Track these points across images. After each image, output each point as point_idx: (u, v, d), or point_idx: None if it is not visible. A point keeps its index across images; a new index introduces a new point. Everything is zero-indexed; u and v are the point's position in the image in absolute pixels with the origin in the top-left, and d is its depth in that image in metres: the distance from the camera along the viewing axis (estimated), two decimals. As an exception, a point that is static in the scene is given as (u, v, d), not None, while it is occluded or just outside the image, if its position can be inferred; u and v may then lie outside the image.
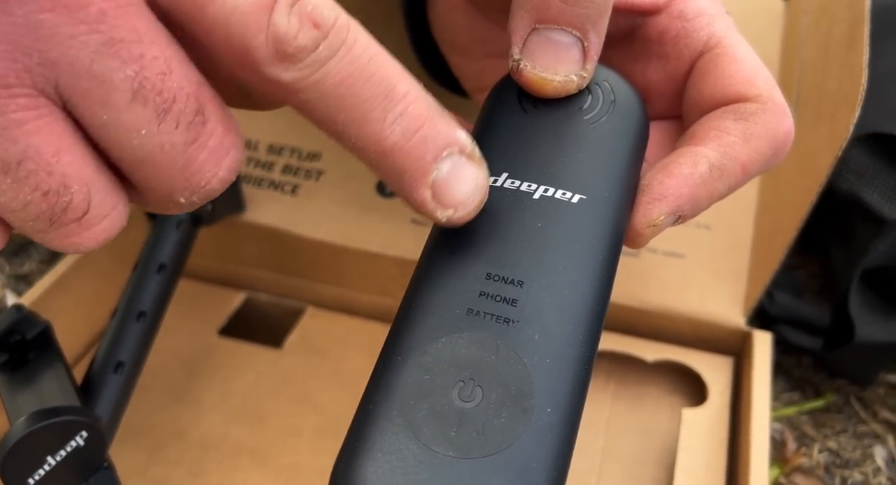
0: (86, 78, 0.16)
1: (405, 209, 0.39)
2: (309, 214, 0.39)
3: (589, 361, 0.19)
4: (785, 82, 0.40)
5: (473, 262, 0.20)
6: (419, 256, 0.22)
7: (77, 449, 0.27)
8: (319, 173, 0.40)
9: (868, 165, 0.38)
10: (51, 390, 0.29)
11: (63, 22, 0.16)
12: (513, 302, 0.19)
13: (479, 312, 0.19)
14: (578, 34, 0.22)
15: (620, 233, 0.22)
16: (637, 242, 0.22)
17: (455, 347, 0.19)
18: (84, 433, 0.27)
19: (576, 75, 0.22)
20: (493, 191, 0.21)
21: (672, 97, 0.26)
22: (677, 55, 0.25)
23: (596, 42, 0.22)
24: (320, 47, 0.18)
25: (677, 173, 0.22)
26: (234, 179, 0.19)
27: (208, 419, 0.35)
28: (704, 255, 0.36)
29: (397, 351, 0.19)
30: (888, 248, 0.36)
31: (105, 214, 0.18)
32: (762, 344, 0.34)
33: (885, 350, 0.37)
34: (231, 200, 0.38)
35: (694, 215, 0.23)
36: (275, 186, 0.40)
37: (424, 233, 0.38)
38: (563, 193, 0.21)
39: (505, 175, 0.22)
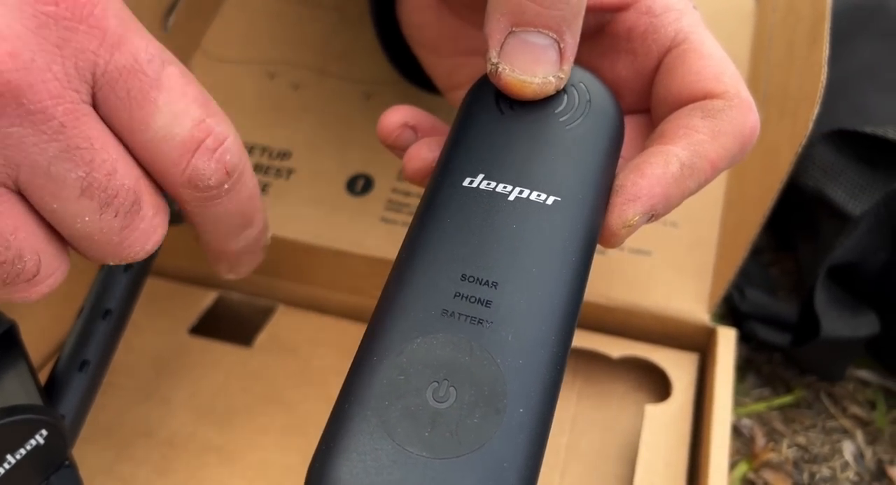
0: (43, 177, 0.20)
1: (375, 208, 0.39)
2: (279, 212, 0.39)
3: (561, 362, 0.20)
4: (753, 80, 0.40)
5: (448, 263, 0.20)
6: (395, 256, 0.22)
7: (37, 448, 0.27)
8: (290, 172, 0.40)
9: (833, 162, 0.38)
10: (12, 389, 0.29)
11: (28, 133, 0.19)
12: (487, 303, 0.20)
13: (453, 312, 0.19)
14: (554, 36, 0.22)
15: (594, 234, 0.22)
16: (612, 242, 0.23)
17: (430, 348, 0.19)
18: (44, 432, 0.27)
19: (553, 77, 0.23)
20: (470, 192, 0.22)
21: (641, 92, 0.26)
22: (646, 51, 0.25)
23: (571, 43, 0.23)
24: (223, 187, 0.23)
25: (650, 174, 0.22)
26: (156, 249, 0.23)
27: (176, 418, 0.36)
28: (670, 252, 0.36)
29: (373, 351, 0.19)
30: (853, 244, 0.36)
31: (51, 273, 0.22)
32: (726, 340, 0.34)
33: (852, 346, 0.37)
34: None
35: (667, 213, 0.23)
36: None
37: (394, 231, 0.38)
38: (539, 195, 0.21)
39: (481, 176, 0.22)
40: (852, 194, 0.37)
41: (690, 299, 0.35)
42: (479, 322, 0.19)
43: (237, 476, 0.33)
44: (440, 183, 0.23)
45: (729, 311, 0.43)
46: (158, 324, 0.39)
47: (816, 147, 0.39)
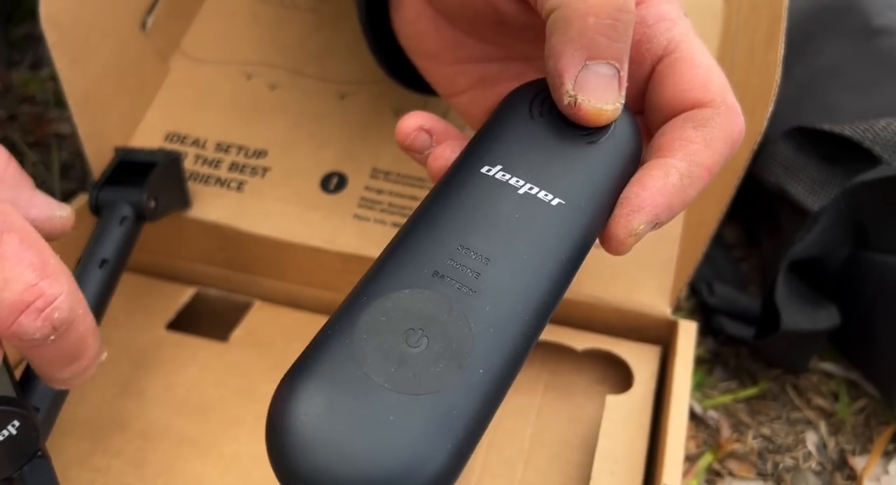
0: None
1: (348, 205, 0.40)
2: (254, 210, 0.40)
3: (528, 341, 0.22)
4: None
5: (451, 231, 0.23)
6: (370, 252, 0.23)
7: (9, 438, 0.28)
8: (265, 170, 0.41)
9: (794, 159, 0.39)
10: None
11: None
12: (476, 274, 0.22)
13: (444, 275, 0.21)
14: (618, 66, 0.24)
15: (589, 239, 0.24)
16: (620, 250, 0.25)
17: (415, 300, 0.21)
18: (16, 423, 0.28)
19: (619, 102, 0.24)
20: (485, 178, 0.24)
21: (636, 97, 0.28)
22: (639, 60, 0.27)
23: (626, 70, 0.24)
24: (49, 339, 0.26)
25: (651, 185, 0.24)
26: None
27: (152, 411, 0.36)
28: (634, 248, 0.37)
29: (365, 293, 0.21)
30: (814, 239, 0.37)
31: None
32: (687, 333, 0.35)
33: (812, 338, 0.38)
34: (176, 196, 0.39)
35: (670, 220, 0.25)
36: (221, 182, 0.41)
37: (366, 228, 0.39)
38: (546, 195, 0.23)
39: (499, 167, 0.24)
40: (812, 190, 0.38)
41: (653, 293, 0.36)
42: (464, 288, 0.21)
43: (210, 467, 0.34)
44: (460, 167, 0.25)
45: (698, 305, 0.44)
46: (136, 319, 0.40)
47: (778, 144, 0.40)
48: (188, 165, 0.41)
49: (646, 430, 0.33)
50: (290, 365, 0.21)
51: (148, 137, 0.42)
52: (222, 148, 0.42)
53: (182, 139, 0.42)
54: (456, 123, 0.30)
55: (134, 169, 0.38)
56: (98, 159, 0.40)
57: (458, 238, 0.22)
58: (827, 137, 0.39)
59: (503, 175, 0.24)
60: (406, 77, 0.34)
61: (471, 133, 0.28)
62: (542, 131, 0.25)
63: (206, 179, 0.41)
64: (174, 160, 0.39)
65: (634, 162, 0.25)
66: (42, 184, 0.56)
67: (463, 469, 0.20)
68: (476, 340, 0.20)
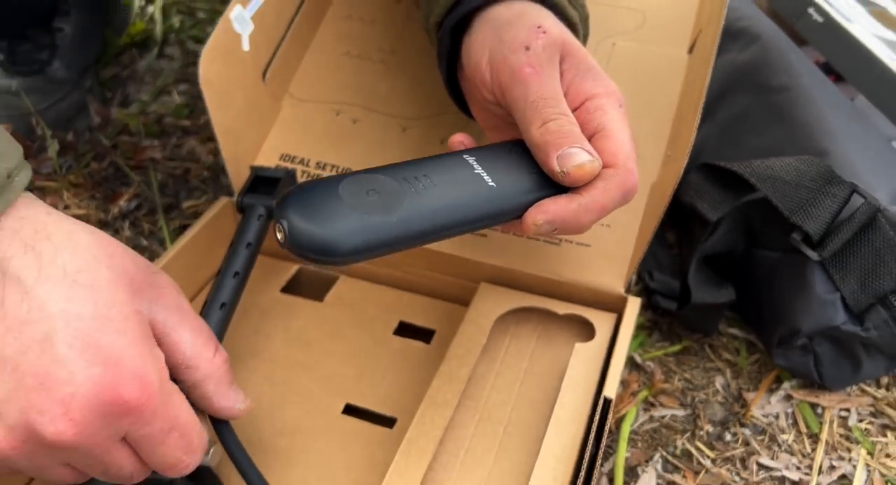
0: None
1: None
2: None
3: (434, 232, 0.38)
4: (676, 123, 0.57)
5: (425, 167, 0.40)
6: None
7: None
8: None
9: (702, 185, 0.56)
10: None
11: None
12: (424, 188, 0.38)
13: (405, 180, 0.38)
14: (579, 145, 0.41)
15: (498, 212, 0.41)
16: (526, 231, 0.42)
17: (382, 181, 0.38)
18: None
19: (594, 160, 0.41)
20: (462, 158, 0.41)
21: None
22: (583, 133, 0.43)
23: (584, 141, 0.42)
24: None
25: (559, 203, 0.41)
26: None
27: (274, 345, 0.55)
28: (603, 246, 0.54)
29: (358, 172, 0.38)
30: (714, 240, 0.54)
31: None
32: (633, 305, 0.52)
33: (715, 308, 0.56)
34: None
35: (569, 233, 0.42)
36: None
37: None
38: (489, 179, 0.41)
39: (474, 158, 0.42)
40: (713, 207, 0.55)
41: (613, 278, 0.54)
42: (412, 189, 0.38)
43: (314, 381, 0.52)
44: (458, 151, 0.43)
45: (644, 288, 0.62)
46: (261, 284, 0.58)
47: (692, 174, 0.57)
48: (300, 178, 0.59)
49: (599, 365, 0.50)
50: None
51: (268, 157, 0.60)
52: (320, 165, 0.59)
53: (292, 159, 0.60)
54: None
55: (264, 182, 0.56)
56: (235, 171, 0.57)
57: (424, 169, 0.39)
58: (724, 171, 0.57)
59: (474, 161, 0.41)
60: (463, 108, 0.52)
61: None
62: (511, 156, 0.43)
63: None
64: (291, 175, 0.56)
65: (551, 188, 0.42)
66: (145, 199, 0.73)
67: (365, 257, 0.36)
68: (403, 207, 0.36)
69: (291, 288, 0.59)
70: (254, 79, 0.59)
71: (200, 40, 0.95)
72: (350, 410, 0.50)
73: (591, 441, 0.44)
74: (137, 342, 0.35)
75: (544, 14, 0.46)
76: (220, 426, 0.43)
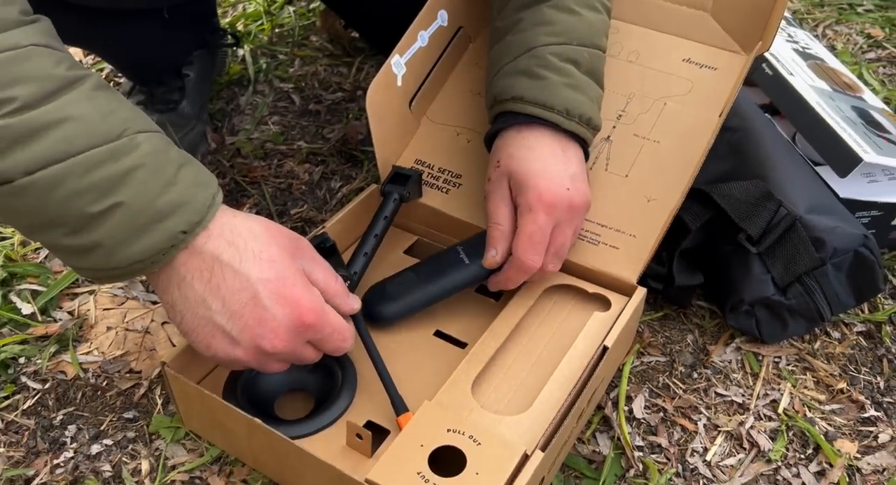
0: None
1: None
2: (452, 203, 0.80)
3: (427, 299, 0.73)
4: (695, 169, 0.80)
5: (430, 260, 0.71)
6: None
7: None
8: (459, 185, 0.81)
9: (689, 205, 0.80)
10: (334, 263, 0.68)
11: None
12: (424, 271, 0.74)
13: (416, 271, 0.74)
14: (494, 247, 0.71)
15: (472, 280, 0.72)
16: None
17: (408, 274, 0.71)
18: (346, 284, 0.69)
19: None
20: (455, 250, 0.73)
21: None
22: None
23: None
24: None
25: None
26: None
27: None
28: (627, 249, 0.77)
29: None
30: (689, 240, 0.79)
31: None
32: (639, 292, 0.75)
33: (690, 289, 0.80)
34: (417, 191, 0.79)
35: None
36: (438, 188, 0.81)
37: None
38: (466, 260, 0.70)
39: (462, 249, 0.72)
40: (693, 218, 0.79)
41: (630, 272, 0.76)
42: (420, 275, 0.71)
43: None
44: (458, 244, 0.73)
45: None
46: (391, 248, 0.81)
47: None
48: (424, 177, 0.82)
49: (608, 327, 0.74)
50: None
51: (406, 160, 0.83)
52: (442, 171, 0.82)
53: (422, 163, 0.83)
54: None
55: (400, 177, 0.78)
56: (383, 168, 0.80)
57: (430, 262, 0.69)
58: (699, 190, 0.81)
59: (461, 251, 0.70)
60: None
61: None
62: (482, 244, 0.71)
63: (431, 185, 0.81)
64: (419, 174, 0.80)
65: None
66: (263, 207, 0.97)
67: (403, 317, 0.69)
68: (418, 288, 0.71)
69: (410, 251, 0.83)
70: (402, 105, 0.82)
71: (284, 79, 1.19)
72: (438, 333, 0.74)
73: (588, 368, 0.67)
74: (305, 287, 0.56)
75: (519, 144, 0.68)
76: (354, 318, 0.65)
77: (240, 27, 1.29)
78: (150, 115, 1.00)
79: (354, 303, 0.63)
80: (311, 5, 1.35)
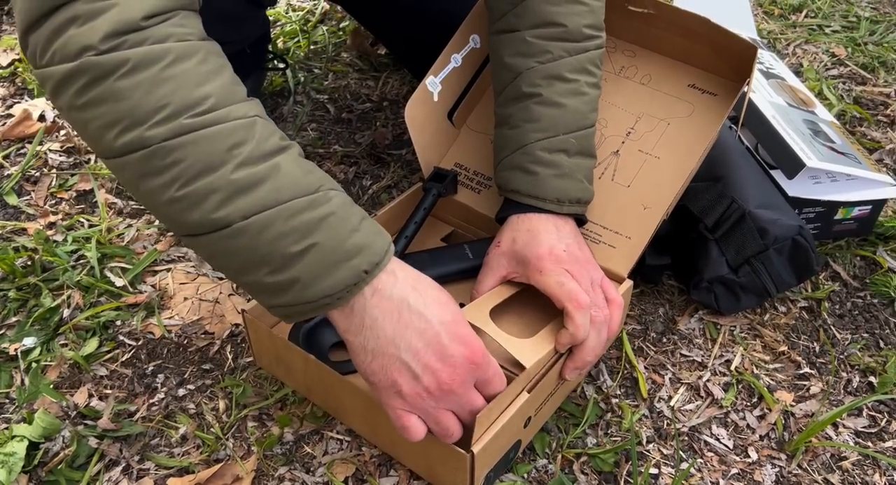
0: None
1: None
2: (482, 201, 0.97)
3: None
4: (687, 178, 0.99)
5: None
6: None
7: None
8: (489, 186, 0.98)
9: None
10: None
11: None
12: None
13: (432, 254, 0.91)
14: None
15: (471, 272, 0.88)
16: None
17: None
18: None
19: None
20: (461, 247, 0.92)
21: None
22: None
23: None
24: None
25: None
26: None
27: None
28: (621, 249, 0.94)
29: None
30: (661, 230, 0.97)
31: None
32: (626, 283, 0.91)
33: (659, 268, 0.98)
34: (452, 189, 0.97)
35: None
36: (471, 188, 0.98)
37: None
38: (469, 255, 0.90)
39: (468, 247, 0.91)
40: (671, 221, 0.97)
41: (622, 267, 0.92)
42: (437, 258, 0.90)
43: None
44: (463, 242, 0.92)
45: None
46: (429, 234, 0.98)
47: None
48: (460, 178, 0.99)
49: None
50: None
51: (447, 163, 1.00)
52: (476, 173, 0.98)
53: (460, 166, 0.99)
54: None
55: (439, 176, 0.96)
56: (426, 169, 0.97)
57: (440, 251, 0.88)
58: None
59: (467, 248, 0.90)
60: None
61: None
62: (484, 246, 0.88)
63: (466, 185, 0.99)
64: (455, 175, 0.97)
65: None
66: None
67: None
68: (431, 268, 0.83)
69: (446, 239, 0.99)
70: (441, 117, 0.98)
71: (320, 91, 1.37)
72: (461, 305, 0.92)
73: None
74: (471, 331, 0.63)
75: (519, 228, 0.80)
76: None
77: (279, 44, 1.48)
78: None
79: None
80: (342, 24, 1.53)
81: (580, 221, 0.86)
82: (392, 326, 0.61)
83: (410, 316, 0.61)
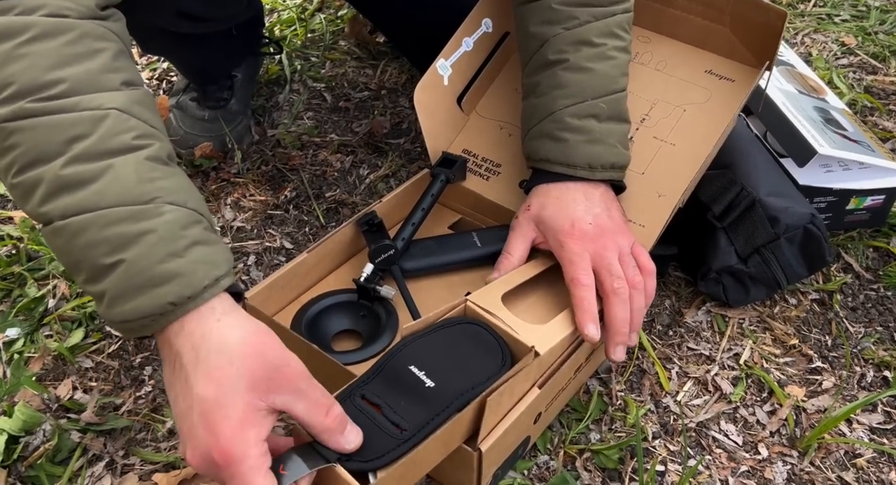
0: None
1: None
2: (491, 188, 0.94)
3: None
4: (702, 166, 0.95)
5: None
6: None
7: (388, 258, 0.85)
8: (498, 173, 0.95)
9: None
10: (380, 238, 0.86)
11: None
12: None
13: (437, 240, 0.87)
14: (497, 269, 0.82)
15: (479, 260, 0.85)
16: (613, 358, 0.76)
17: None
18: (391, 252, 0.84)
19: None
20: (469, 234, 0.88)
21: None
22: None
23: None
24: None
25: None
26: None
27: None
28: (637, 236, 0.92)
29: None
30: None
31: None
32: None
33: (666, 258, 0.95)
34: (461, 175, 0.94)
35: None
36: (480, 175, 0.95)
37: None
38: (477, 242, 0.85)
39: (476, 234, 0.87)
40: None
41: None
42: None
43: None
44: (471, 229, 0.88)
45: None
46: (436, 221, 0.95)
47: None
48: (469, 165, 0.95)
49: None
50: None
51: (456, 149, 0.97)
52: (485, 160, 0.96)
53: (468, 152, 0.96)
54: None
55: (448, 161, 0.93)
56: (434, 154, 0.94)
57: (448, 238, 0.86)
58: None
59: (475, 235, 0.87)
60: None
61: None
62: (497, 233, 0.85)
63: (474, 172, 0.95)
64: (464, 161, 0.94)
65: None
66: (301, 190, 1.12)
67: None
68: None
69: (454, 226, 0.97)
70: (450, 102, 0.95)
71: (317, 79, 1.34)
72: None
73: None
74: (238, 424, 0.51)
75: (548, 195, 0.78)
76: (393, 271, 0.85)
77: (276, 32, 1.45)
78: (202, 111, 1.15)
79: (350, 439, 0.57)
80: (339, 13, 1.50)
81: (618, 187, 0.82)
82: (169, 375, 0.55)
83: (180, 373, 0.54)
